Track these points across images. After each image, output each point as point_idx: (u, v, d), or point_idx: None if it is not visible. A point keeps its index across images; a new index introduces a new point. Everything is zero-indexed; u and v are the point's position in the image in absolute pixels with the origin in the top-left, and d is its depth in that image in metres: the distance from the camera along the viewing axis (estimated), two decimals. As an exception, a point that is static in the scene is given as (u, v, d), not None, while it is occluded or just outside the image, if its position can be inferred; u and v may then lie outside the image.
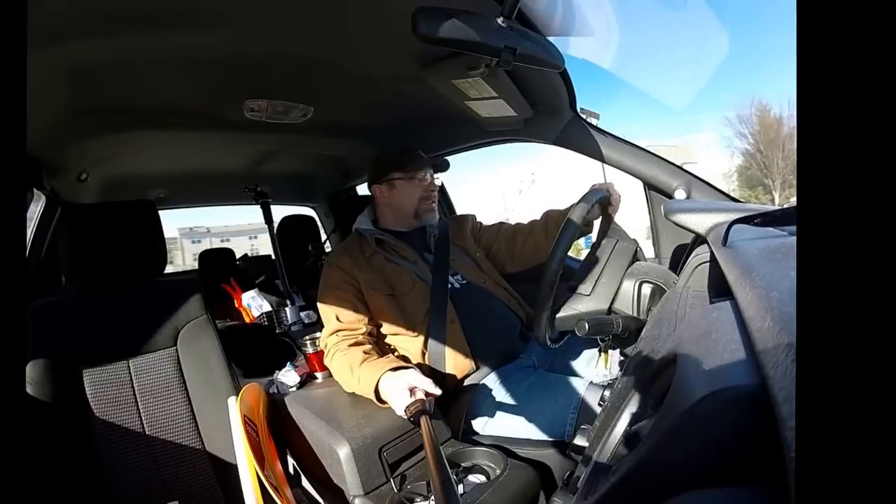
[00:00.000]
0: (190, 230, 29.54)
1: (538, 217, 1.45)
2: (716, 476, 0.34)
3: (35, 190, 1.57)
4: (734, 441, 0.34)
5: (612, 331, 1.03)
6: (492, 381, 1.20)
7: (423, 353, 1.24)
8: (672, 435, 0.37)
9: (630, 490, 0.42)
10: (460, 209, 2.22)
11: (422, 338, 1.24)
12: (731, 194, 1.30)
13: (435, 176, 1.47)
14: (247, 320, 2.23)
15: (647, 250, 1.47)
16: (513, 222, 1.55)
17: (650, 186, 1.38)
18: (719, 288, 0.63)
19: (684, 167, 1.34)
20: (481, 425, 1.16)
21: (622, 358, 1.07)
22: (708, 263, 0.85)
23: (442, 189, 2.23)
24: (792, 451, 0.23)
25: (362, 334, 1.25)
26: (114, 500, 1.12)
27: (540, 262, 1.38)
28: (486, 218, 1.62)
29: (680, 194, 1.30)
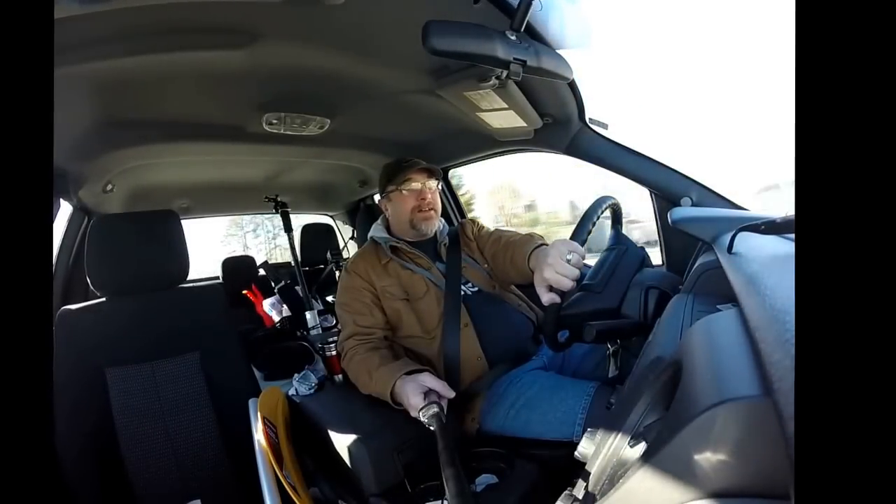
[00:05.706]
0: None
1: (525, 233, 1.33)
2: (722, 486, 0.34)
3: (63, 200, 1.63)
4: (740, 451, 0.33)
5: (619, 336, 1.05)
6: (503, 383, 1.21)
7: (438, 357, 1.25)
8: (677, 444, 0.37)
9: (635, 497, 0.41)
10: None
11: (437, 341, 1.26)
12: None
13: (430, 185, 1.40)
14: (266, 325, 2.27)
15: (654, 256, 1.48)
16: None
17: (657, 194, 1.39)
18: (725, 294, 0.64)
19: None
20: (493, 426, 1.18)
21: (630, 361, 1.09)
22: (713, 270, 0.86)
23: (452, 193, 2.25)
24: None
25: (379, 338, 1.28)
26: (137, 498, 1.15)
27: (517, 283, 1.37)
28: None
29: (686, 202, 1.31)
